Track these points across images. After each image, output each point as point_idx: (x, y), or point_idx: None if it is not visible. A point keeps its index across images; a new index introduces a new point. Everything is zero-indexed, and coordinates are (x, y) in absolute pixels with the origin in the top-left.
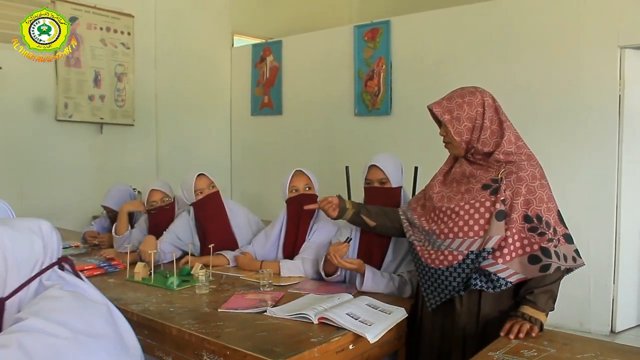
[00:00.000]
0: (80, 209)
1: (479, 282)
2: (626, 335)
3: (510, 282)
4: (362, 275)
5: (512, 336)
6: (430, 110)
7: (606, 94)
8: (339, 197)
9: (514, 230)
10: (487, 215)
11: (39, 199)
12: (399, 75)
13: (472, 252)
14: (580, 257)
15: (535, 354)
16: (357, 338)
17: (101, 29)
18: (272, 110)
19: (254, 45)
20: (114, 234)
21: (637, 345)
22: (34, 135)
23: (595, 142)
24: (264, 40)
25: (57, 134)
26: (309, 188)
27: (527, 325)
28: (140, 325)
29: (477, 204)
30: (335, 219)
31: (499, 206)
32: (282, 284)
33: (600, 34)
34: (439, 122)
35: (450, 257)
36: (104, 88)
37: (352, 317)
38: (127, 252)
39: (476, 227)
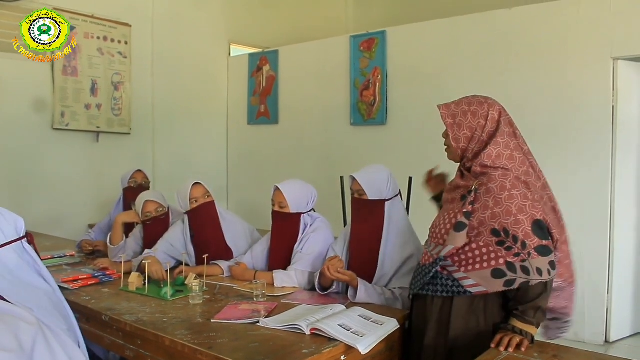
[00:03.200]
0: (77, 218)
1: (432, 288)
2: (620, 345)
3: (470, 292)
4: (355, 288)
5: (502, 348)
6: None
7: (600, 105)
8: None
9: (481, 243)
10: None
11: (34, 207)
12: (394, 85)
13: (440, 258)
14: (554, 269)
15: None
16: (349, 349)
17: (98, 38)
18: (268, 120)
19: (251, 55)
20: (108, 244)
21: (629, 357)
22: (30, 143)
23: (589, 153)
24: (260, 50)
25: (53, 142)
26: (283, 207)
27: (517, 338)
28: (134, 335)
29: (452, 214)
30: None
31: (459, 217)
32: (275, 295)
33: (594, 45)
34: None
35: (426, 257)
36: (101, 97)
37: (344, 328)
38: (121, 262)
39: (446, 236)
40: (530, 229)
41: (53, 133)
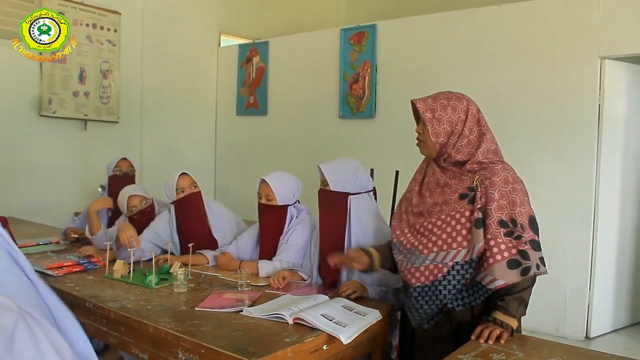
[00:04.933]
0: (63, 205)
1: (455, 302)
2: (600, 340)
3: (490, 290)
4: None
5: (482, 340)
6: (413, 105)
7: (586, 103)
8: (369, 255)
9: (489, 236)
10: (468, 225)
11: (20, 194)
12: (383, 79)
13: (457, 263)
14: (545, 265)
15: (504, 357)
16: (331, 339)
17: (87, 25)
18: (257, 111)
19: (241, 46)
20: (88, 235)
21: (609, 352)
22: (17, 130)
23: (574, 151)
24: (250, 41)
25: (40, 129)
26: (270, 200)
27: (497, 331)
28: (118, 322)
29: (458, 215)
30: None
31: (476, 214)
32: (260, 284)
33: (582, 44)
34: (418, 119)
35: (435, 271)
36: (89, 85)
37: (327, 318)
38: (106, 250)
39: (459, 238)
40: (529, 222)
41: (40, 120)
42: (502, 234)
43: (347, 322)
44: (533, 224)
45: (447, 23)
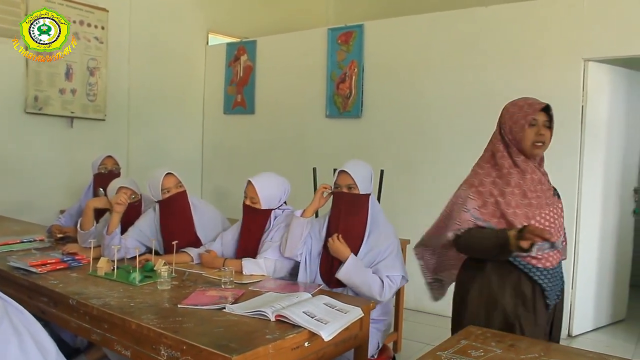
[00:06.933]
0: (49, 203)
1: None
2: (582, 338)
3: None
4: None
5: None
6: (547, 111)
7: (570, 105)
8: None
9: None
10: (562, 215)
11: (5, 191)
12: (370, 79)
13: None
14: None
15: (482, 354)
16: (313, 336)
17: (74, 22)
18: (244, 110)
19: (229, 44)
20: (79, 229)
21: (590, 349)
22: (2, 127)
23: (557, 152)
24: (238, 40)
25: (25, 126)
26: (254, 202)
27: None
28: (100, 319)
29: (558, 208)
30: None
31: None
32: (243, 282)
33: (566, 46)
34: (548, 123)
35: (558, 255)
36: (76, 82)
37: (309, 316)
38: (90, 247)
39: (561, 227)
40: None
41: (26, 117)
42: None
43: (329, 319)
44: None
45: (434, 24)
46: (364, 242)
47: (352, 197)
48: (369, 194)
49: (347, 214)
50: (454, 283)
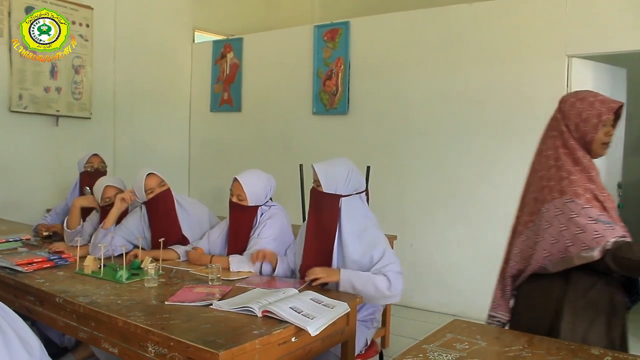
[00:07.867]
0: (35, 202)
1: None
2: None
3: None
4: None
5: None
6: (616, 112)
7: (554, 101)
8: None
9: None
10: None
11: None
12: (356, 75)
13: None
14: None
15: (467, 346)
16: (299, 331)
17: None
18: (231, 107)
19: (215, 42)
20: (65, 227)
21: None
22: None
23: None
24: (225, 37)
25: (10, 125)
26: (241, 199)
27: None
28: (87, 317)
29: None
30: None
31: None
32: (230, 279)
33: (550, 42)
34: (614, 122)
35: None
36: (61, 80)
37: (295, 311)
38: (77, 246)
39: None
40: None
41: (10, 115)
42: None
43: (315, 314)
44: None
45: (419, 21)
46: (335, 247)
47: (317, 194)
48: (339, 195)
49: (314, 212)
50: None
